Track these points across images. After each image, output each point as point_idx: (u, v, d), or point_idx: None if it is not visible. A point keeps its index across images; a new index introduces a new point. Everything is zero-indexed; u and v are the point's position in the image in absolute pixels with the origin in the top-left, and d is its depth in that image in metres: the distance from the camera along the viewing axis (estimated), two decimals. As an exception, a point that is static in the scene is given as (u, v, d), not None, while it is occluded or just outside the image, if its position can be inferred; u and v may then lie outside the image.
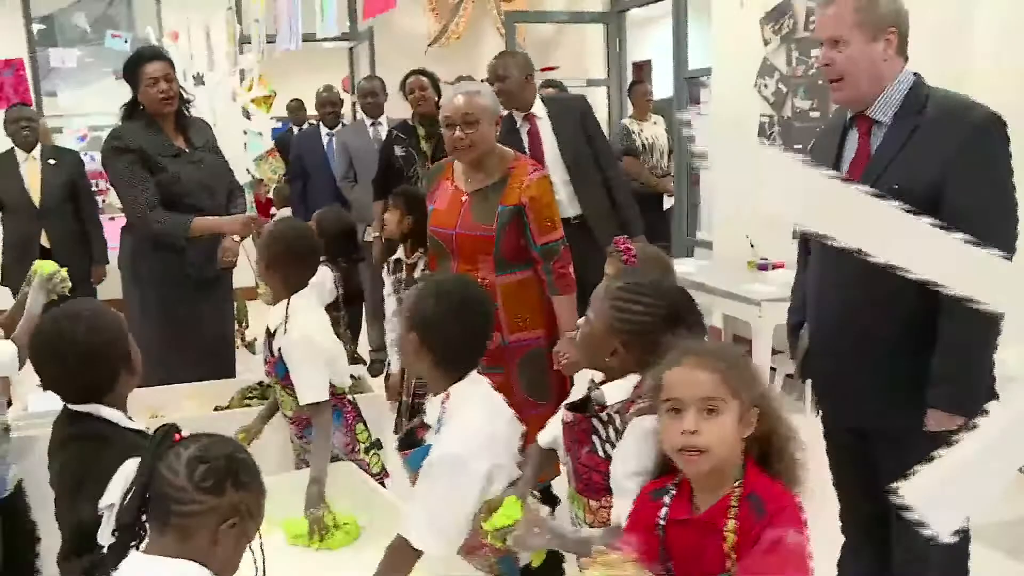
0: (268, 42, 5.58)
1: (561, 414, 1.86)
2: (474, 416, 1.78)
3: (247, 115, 5.86)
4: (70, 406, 1.75)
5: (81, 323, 1.73)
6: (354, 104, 9.15)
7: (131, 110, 3.52)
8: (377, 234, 4.60)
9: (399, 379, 3.28)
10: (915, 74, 2.09)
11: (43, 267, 2.74)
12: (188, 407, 3.16)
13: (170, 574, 1.29)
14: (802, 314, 2.35)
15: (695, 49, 6.24)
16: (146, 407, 2.96)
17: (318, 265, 2.64)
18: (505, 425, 1.82)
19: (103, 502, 1.60)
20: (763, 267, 5.08)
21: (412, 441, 1.92)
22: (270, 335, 2.53)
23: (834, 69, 2.09)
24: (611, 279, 2.53)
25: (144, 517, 1.35)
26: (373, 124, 5.49)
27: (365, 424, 2.61)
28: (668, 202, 6.40)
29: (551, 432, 1.92)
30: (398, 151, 4.69)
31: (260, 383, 3.27)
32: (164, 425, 1.38)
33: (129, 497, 1.36)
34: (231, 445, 1.38)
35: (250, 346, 5.74)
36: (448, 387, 1.81)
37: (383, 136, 5.37)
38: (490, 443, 1.77)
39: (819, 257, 2.21)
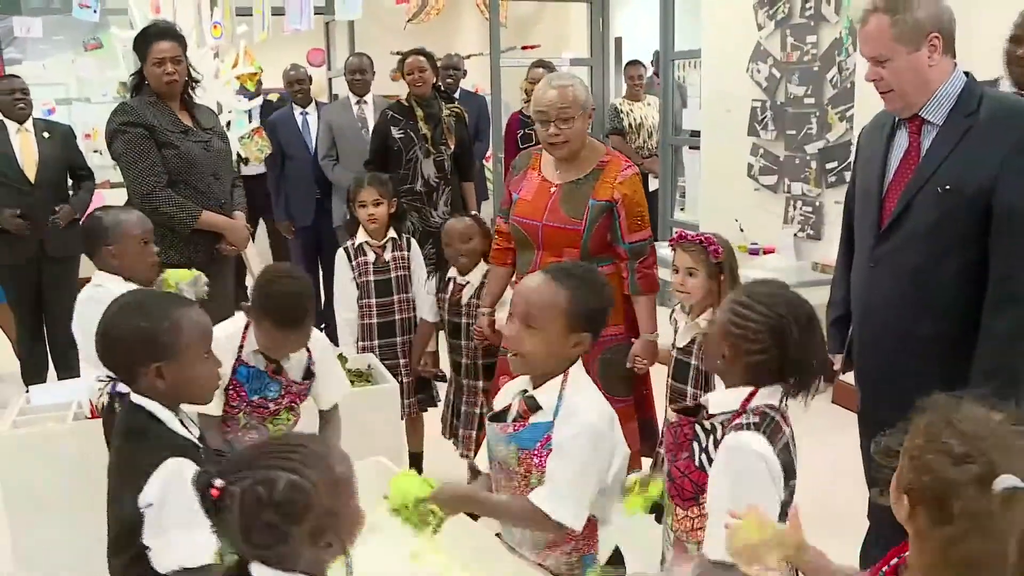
0: (274, 14, 5.37)
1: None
2: (597, 396, 1.83)
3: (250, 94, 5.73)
4: (132, 397, 1.72)
5: (119, 305, 1.75)
6: (330, 80, 9.01)
7: (138, 84, 3.44)
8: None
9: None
10: (967, 73, 2.10)
11: (177, 276, 2.86)
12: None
13: None
14: (843, 308, 2.36)
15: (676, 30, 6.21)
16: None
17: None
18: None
19: (141, 500, 1.58)
20: (754, 252, 5.08)
21: (502, 417, 1.91)
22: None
23: (882, 83, 2.10)
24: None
25: None
26: (358, 102, 5.37)
27: None
28: (654, 184, 6.40)
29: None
30: (395, 133, 4.55)
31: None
32: (198, 481, 1.27)
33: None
34: (267, 483, 1.23)
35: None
36: (565, 370, 1.82)
37: (367, 115, 5.27)
38: (612, 422, 1.81)
39: (868, 254, 2.22)
